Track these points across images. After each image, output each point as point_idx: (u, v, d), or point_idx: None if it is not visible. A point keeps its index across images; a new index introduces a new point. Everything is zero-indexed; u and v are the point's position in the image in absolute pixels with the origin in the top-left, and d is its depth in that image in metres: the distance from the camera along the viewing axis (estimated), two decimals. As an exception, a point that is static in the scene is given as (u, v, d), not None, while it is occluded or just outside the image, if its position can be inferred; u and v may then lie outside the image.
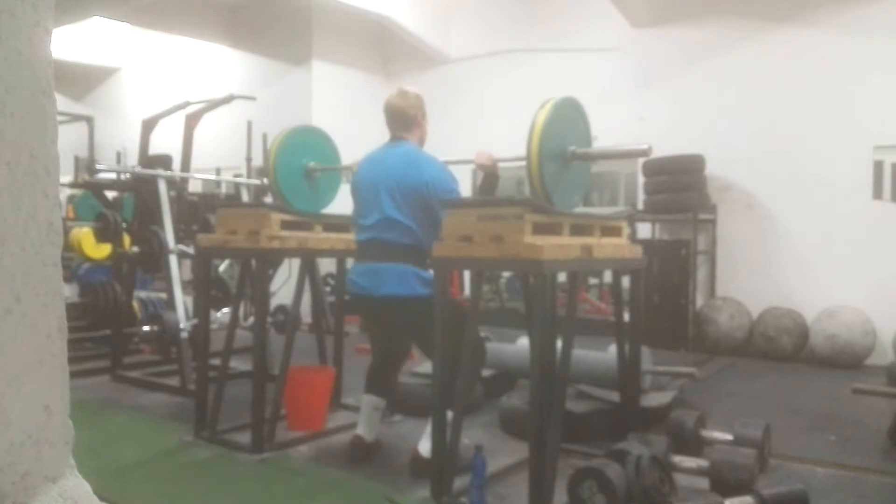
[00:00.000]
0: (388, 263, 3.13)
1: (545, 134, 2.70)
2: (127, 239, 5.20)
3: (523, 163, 2.76)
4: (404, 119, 3.29)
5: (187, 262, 5.74)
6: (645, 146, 2.83)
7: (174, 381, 4.76)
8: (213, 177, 7.12)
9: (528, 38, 7.98)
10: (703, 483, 2.87)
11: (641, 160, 6.86)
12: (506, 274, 8.20)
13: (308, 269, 3.89)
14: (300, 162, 3.93)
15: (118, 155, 9.30)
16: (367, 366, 3.53)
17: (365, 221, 3.25)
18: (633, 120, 7.10)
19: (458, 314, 3.01)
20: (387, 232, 3.15)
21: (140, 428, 3.95)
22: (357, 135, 5.88)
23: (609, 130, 6.78)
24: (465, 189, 3.24)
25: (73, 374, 3.98)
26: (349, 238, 3.78)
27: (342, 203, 4.11)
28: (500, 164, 3.24)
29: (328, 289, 6.36)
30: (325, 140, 4.11)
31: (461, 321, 2.91)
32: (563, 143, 2.85)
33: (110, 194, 5.75)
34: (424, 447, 3.09)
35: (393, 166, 3.18)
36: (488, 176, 3.24)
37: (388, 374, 3.49)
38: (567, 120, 2.88)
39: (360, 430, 3.38)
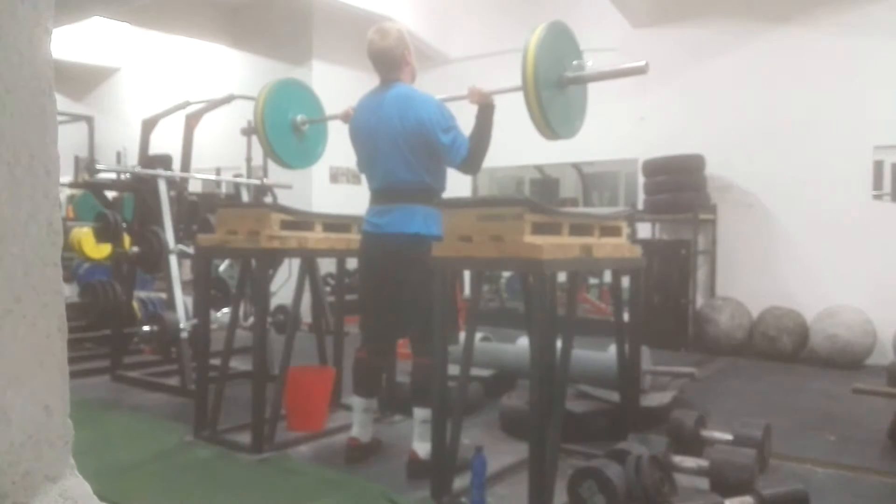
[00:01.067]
0: (399, 204, 3.17)
1: (538, 61, 2.69)
2: (127, 239, 5.19)
3: (519, 91, 2.75)
4: (391, 60, 3.23)
5: (187, 262, 5.74)
6: (641, 62, 2.80)
7: (174, 381, 4.75)
8: (213, 177, 7.13)
9: (529, 38, 7.97)
10: (703, 483, 2.86)
11: (641, 161, 6.87)
12: (506, 274, 8.21)
13: (308, 269, 3.89)
14: (286, 116, 3.87)
15: (118, 155, 9.31)
16: (354, 360, 3.45)
17: (371, 171, 3.28)
18: (633, 120, 7.10)
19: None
20: (394, 177, 3.17)
21: (140, 428, 3.94)
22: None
23: (609, 130, 6.83)
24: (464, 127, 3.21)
25: (73, 374, 3.97)
26: (349, 238, 3.78)
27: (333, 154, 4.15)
28: (496, 97, 3.20)
29: (328, 289, 6.36)
30: (308, 91, 4.05)
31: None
32: (556, 68, 2.81)
33: (110, 194, 5.75)
34: (422, 449, 3.08)
35: (389, 112, 3.15)
36: (483, 108, 3.19)
37: (373, 371, 3.44)
38: (557, 44, 2.84)
39: (355, 432, 3.37)
